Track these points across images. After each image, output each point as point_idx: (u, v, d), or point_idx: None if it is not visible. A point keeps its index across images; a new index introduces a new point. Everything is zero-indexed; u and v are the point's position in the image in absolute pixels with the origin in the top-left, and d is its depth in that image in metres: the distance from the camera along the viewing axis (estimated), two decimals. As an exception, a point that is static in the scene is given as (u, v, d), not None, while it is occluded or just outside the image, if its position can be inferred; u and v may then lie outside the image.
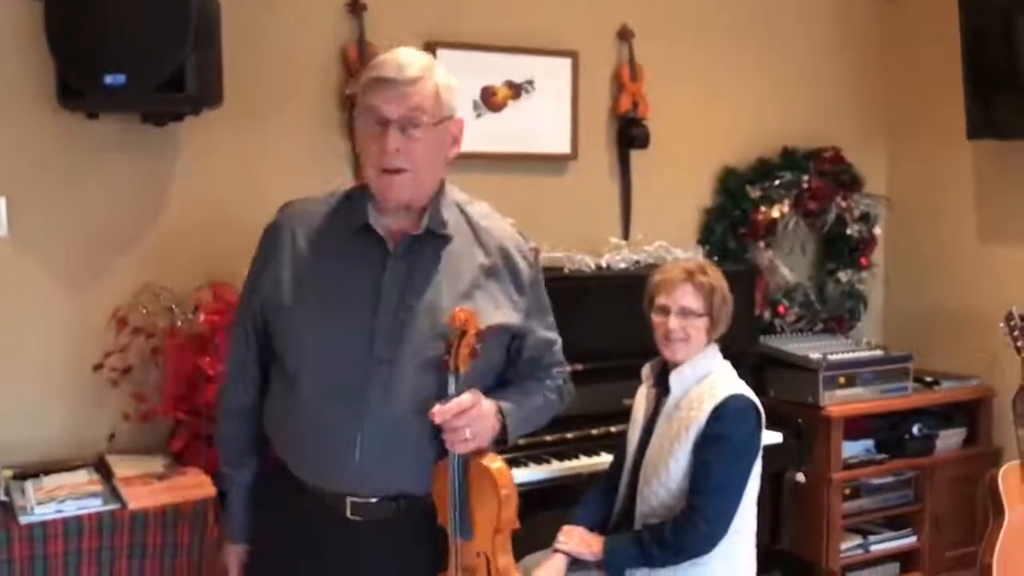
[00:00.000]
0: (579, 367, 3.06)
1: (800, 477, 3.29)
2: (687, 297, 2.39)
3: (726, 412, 2.30)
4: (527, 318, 1.94)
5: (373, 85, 1.78)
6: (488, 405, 1.83)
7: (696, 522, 2.26)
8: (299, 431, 1.83)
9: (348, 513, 1.82)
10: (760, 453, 2.38)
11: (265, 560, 1.96)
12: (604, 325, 3.15)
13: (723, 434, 2.29)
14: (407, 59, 1.80)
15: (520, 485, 2.77)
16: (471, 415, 1.77)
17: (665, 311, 2.40)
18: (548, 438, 2.95)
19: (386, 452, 1.78)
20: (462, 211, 1.93)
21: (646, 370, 2.54)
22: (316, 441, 1.80)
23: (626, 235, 3.61)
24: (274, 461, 1.95)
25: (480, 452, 1.82)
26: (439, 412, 1.75)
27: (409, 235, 1.85)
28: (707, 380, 2.37)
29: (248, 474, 1.99)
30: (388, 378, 1.78)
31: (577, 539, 2.38)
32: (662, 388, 2.45)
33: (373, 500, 1.82)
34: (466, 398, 1.77)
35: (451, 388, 1.77)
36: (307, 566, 1.86)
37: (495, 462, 1.84)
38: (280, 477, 1.90)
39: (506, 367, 1.96)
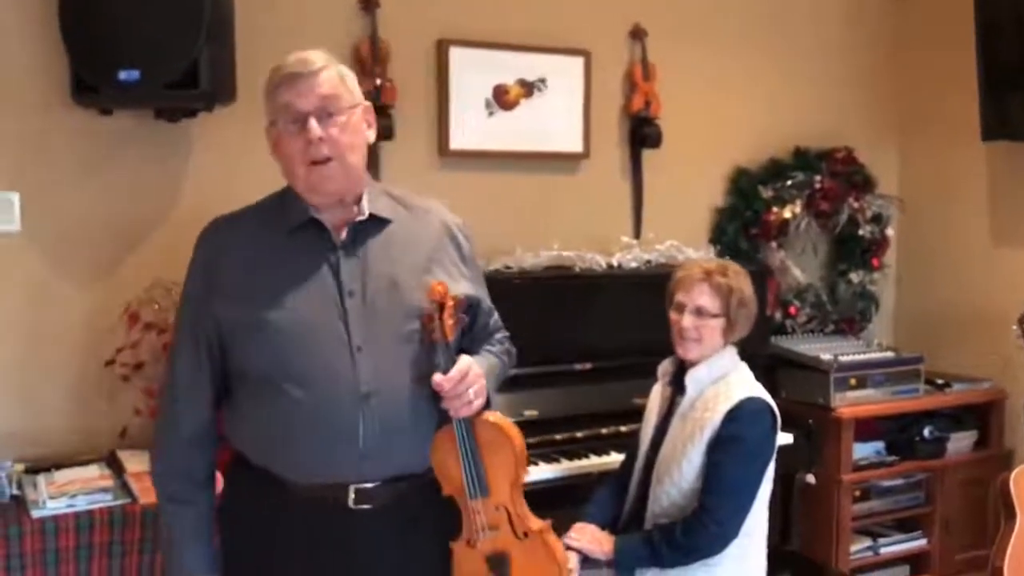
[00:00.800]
0: (588, 366, 3.09)
1: (810, 478, 3.28)
2: (703, 297, 2.38)
3: (741, 414, 2.29)
4: (475, 286, 2.02)
5: (281, 84, 1.81)
6: (477, 366, 1.88)
7: (707, 523, 2.25)
8: (292, 432, 1.81)
9: (351, 503, 1.82)
10: (774, 456, 2.37)
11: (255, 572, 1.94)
12: (614, 324, 3.16)
13: (737, 436, 2.28)
14: (306, 56, 1.83)
15: (530, 484, 2.78)
16: (470, 379, 1.82)
17: (681, 309, 2.40)
18: (558, 437, 2.95)
19: (387, 433, 1.80)
20: (391, 196, 1.97)
21: (662, 367, 2.53)
22: (315, 437, 1.79)
23: (637, 234, 3.61)
24: (235, 475, 1.94)
25: (479, 412, 1.88)
26: (446, 380, 1.79)
27: (352, 222, 1.88)
28: (723, 381, 2.37)
29: (201, 506, 1.91)
30: (372, 362, 1.80)
31: (588, 537, 2.37)
32: (677, 387, 2.45)
33: (374, 485, 1.83)
34: (463, 363, 1.82)
35: (440, 359, 1.81)
36: (305, 567, 1.85)
37: (498, 417, 1.91)
38: (254, 487, 1.88)
39: (461, 337, 1.98)
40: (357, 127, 1.86)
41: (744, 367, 2.43)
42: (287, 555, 1.85)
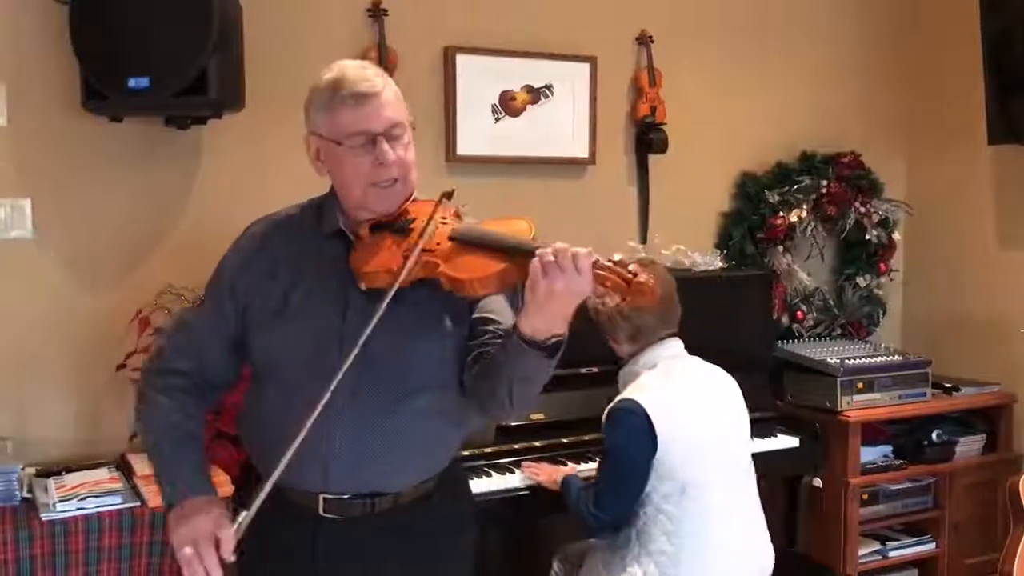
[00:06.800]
0: (595, 369, 3.10)
1: (817, 482, 3.28)
2: None
3: (609, 415, 2.48)
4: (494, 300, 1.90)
5: (346, 104, 1.76)
6: None
7: (588, 505, 2.46)
8: (269, 433, 1.81)
9: (321, 510, 1.82)
10: (646, 457, 2.41)
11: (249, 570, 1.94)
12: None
13: (605, 437, 2.50)
14: (364, 73, 1.79)
15: (515, 490, 2.78)
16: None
17: None
18: (565, 440, 2.96)
19: (357, 448, 1.78)
20: None
21: None
22: (285, 440, 1.73)
23: (644, 239, 3.62)
24: (244, 477, 1.95)
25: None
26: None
27: None
28: (633, 383, 2.53)
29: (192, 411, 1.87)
30: (356, 376, 1.75)
31: (546, 469, 2.75)
32: None
33: (346, 496, 1.82)
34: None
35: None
36: (279, 569, 1.85)
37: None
38: (252, 488, 1.86)
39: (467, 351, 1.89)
40: (412, 143, 1.85)
41: (658, 371, 2.52)
42: (267, 556, 1.85)
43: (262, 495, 1.66)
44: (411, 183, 1.84)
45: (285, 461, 1.66)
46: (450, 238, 1.74)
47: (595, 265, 1.60)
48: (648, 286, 1.58)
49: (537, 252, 1.61)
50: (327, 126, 1.80)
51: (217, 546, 1.68)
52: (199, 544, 1.67)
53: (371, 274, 1.76)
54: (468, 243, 1.73)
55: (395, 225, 1.80)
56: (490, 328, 1.81)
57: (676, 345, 2.59)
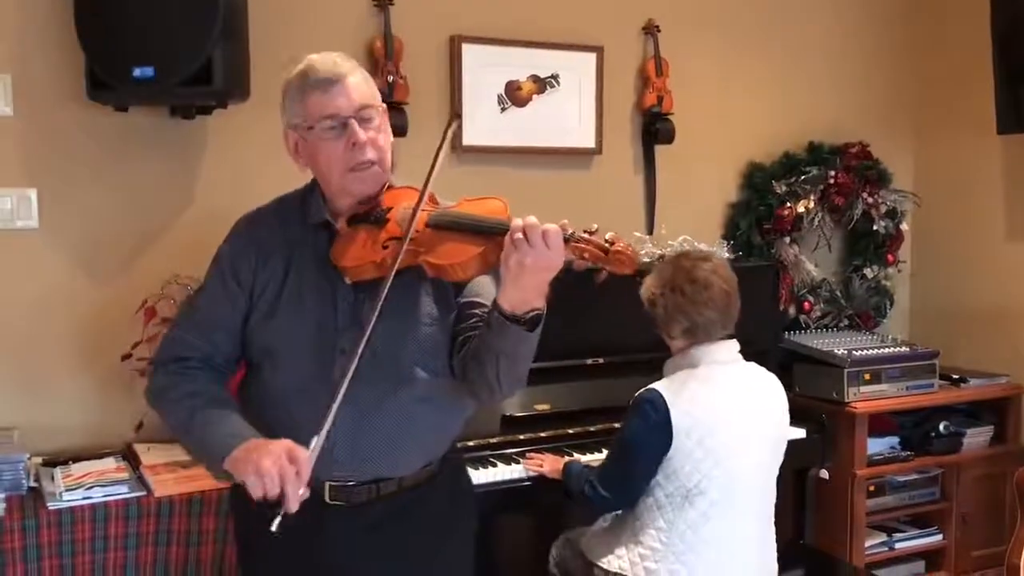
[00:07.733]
0: (600, 360, 3.10)
1: (824, 473, 3.27)
2: None
3: (632, 402, 2.44)
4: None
5: (315, 90, 1.79)
6: None
7: (592, 482, 2.47)
8: (269, 422, 1.81)
9: (327, 498, 1.82)
10: (657, 452, 2.37)
11: (248, 558, 1.97)
12: (627, 319, 3.14)
13: (623, 421, 2.47)
14: (332, 59, 1.82)
15: (520, 480, 2.77)
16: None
17: None
18: (571, 431, 2.96)
19: (358, 437, 1.79)
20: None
21: None
22: (285, 429, 1.75)
23: (650, 230, 3.61)
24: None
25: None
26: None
27: None
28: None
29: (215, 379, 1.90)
30: (349, 366, 1.74)
31: (548, 460, 2.76)
32: None
33: (351, 483, 1.83)
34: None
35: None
36: (283, 556, 1.85)
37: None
38: None
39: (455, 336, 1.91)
40: (387, 128, 1.87)
41: (699, 373, 2.43)
42: (271, 544, 1.85)
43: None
44: (387, 166, 1.86)
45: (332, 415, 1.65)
46: (427, 225, 1.75)
47: (571, 238, 1.63)
48: (626, 254, 1.63)
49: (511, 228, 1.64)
50: (300, 114, 1.83)
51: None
52: (280, 460, 1.62)
53: (354, 268, 1.78)
54: (446, 228, 1.74)
55: (371, 216, 1.83)
56: (476, 312, 1.83)
57: (730, 349, 2.50)
